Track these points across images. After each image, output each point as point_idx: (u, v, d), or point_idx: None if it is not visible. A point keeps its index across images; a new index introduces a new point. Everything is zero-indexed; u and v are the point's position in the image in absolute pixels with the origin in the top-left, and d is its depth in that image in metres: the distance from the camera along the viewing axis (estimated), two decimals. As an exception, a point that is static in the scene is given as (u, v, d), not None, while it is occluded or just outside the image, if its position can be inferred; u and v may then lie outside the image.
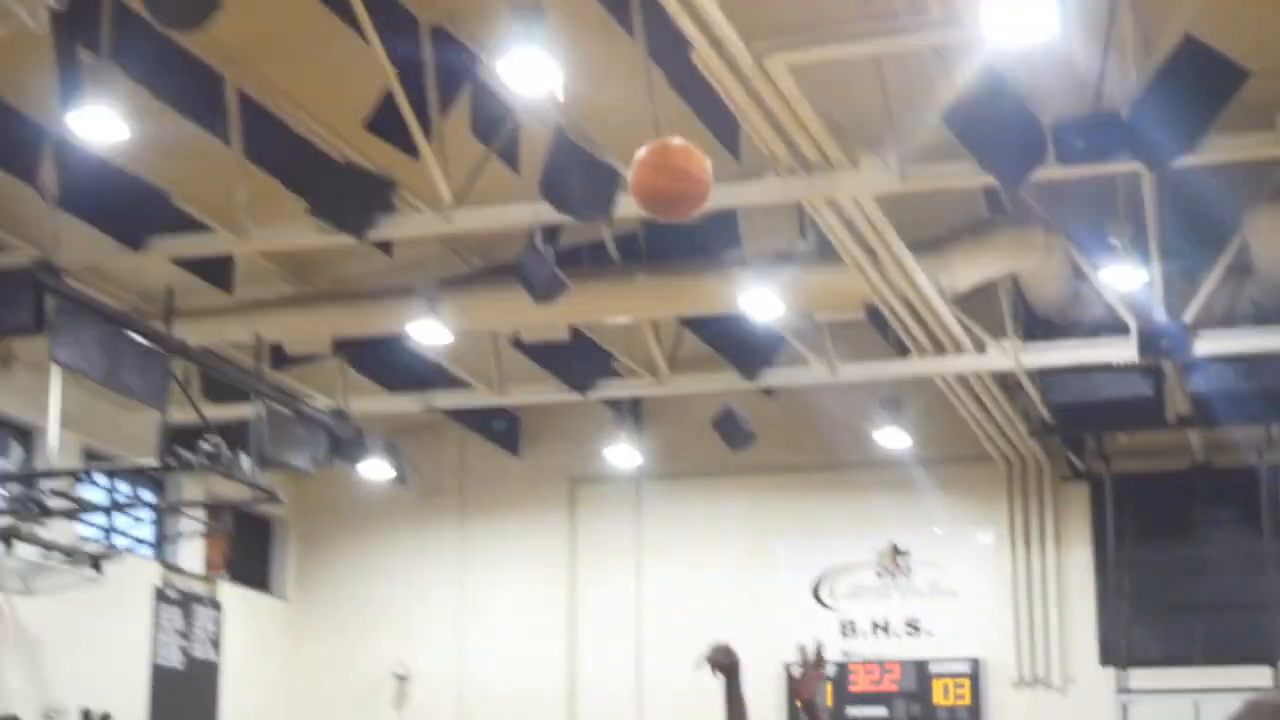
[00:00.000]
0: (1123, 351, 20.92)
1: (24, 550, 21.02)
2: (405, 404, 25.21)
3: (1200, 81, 14.49)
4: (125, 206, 17.95)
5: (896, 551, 27.09)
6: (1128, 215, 19.27)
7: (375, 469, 25.64)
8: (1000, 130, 14.99)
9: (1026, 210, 18.82)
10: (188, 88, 17.16)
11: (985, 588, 26.73)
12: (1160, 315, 20.21)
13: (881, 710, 26.55)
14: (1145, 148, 15.22)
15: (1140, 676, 25.58)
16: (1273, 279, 20.23)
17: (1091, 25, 15.06)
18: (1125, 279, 19.76)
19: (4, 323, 19.40)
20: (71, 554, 21.57)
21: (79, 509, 21.86)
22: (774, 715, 26.29)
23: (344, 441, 24.22)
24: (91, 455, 23.44)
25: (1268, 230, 18.78)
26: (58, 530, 21.52)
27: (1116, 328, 20.73)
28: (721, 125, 17.51)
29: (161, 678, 25.47)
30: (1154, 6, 15.74)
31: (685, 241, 19.78)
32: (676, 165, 5.01)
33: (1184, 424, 23.87)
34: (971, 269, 19.74)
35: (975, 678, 26.39)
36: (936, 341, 21.18)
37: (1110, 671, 25.90)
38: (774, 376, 23.12)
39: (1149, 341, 20.39)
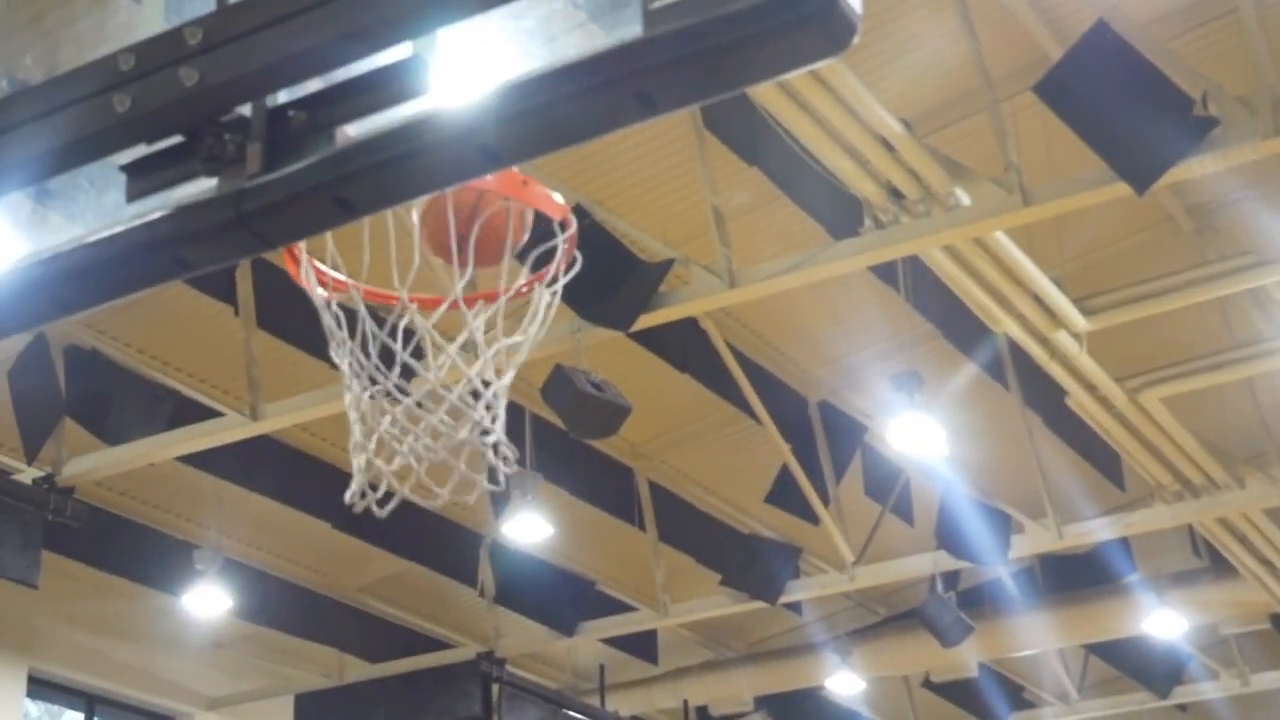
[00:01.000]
0: None
1: None
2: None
3: None
4: (556, 597, 18.55)
5: None
6: None
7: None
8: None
9: None
10: (602, 484, 17.89)
11: None
12: None
13: None
14: None
15: None
16: None
17: None
18: None
19: (456, 712, 20.13)
20: None
21: None
22: None
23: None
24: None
25: None
26: None
27: None
28: (1103, 459, 17.60)
29: None
30: None
31: (1081, 571, 19.69)
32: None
33: None
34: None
35: None
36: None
37: None
38: (1186, 693, 22.51)
39: None
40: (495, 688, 19.34)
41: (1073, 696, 23.16)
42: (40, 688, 19.40)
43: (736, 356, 15.92)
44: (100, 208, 6.31)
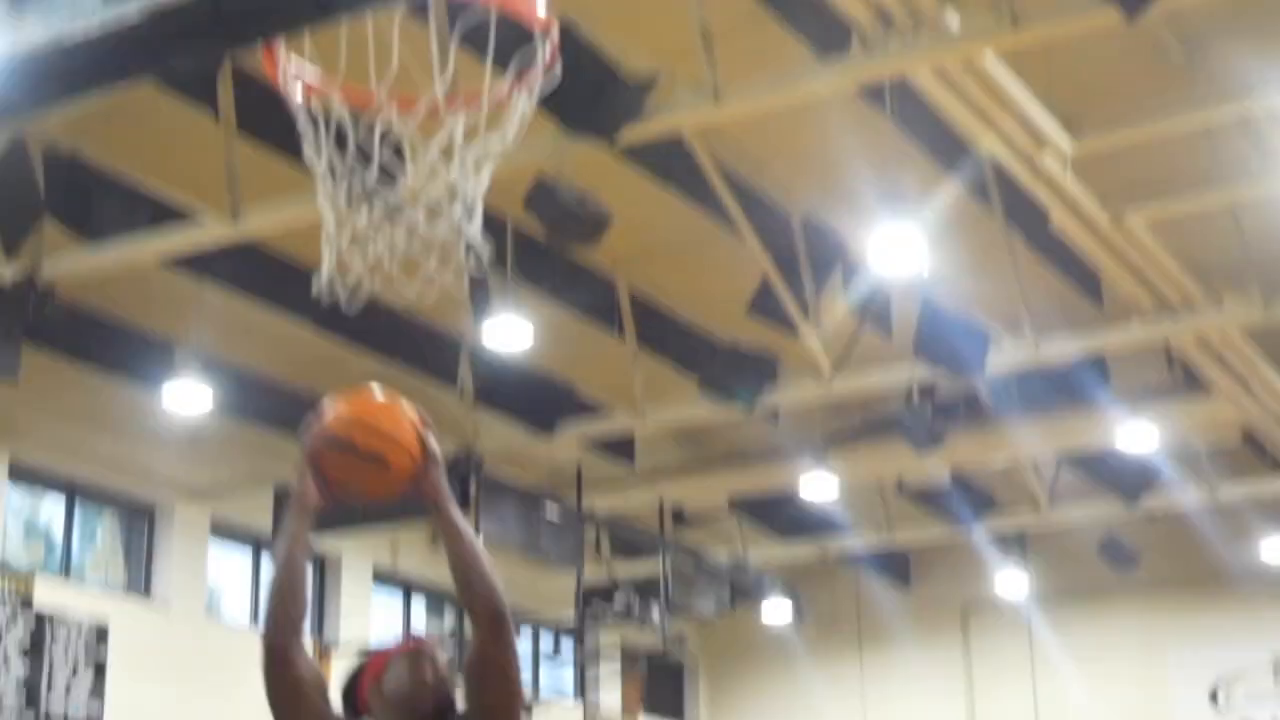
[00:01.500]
0: None
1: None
2: (801, 551, 25.39)
3: None
4: (535, 400, 18.55)
5: (1289, 657, 26.43)
6: None
7: (775, 611, 25.94)
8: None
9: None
10: (583, 293, 17.90)
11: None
12: None
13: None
14: None
15: None
16: None
17: None
18: None
19: (433, 508, 20.27)
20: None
21: (507, 665, 22.43)
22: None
23: (745, 588, 24.56)
24: (517, 616, 24.01)
25: None
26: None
27: None
28: (1082, 278, 17.50)
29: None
30: None
31: (1056, 386, 19.64)
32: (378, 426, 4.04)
33: None
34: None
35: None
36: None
37: None
38: (1155, 501, 22.63)
39: None
40: (473, 484, 19.47)
41: (1043, 504, 23.26)
42: (22, 475, 19.49)
43: (721, 174, 15.75)
44: (77, 6, 6.13)
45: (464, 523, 4.09)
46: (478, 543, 4.10)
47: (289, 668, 3.99)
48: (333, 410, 4.00)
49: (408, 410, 4.01)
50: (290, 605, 3.99)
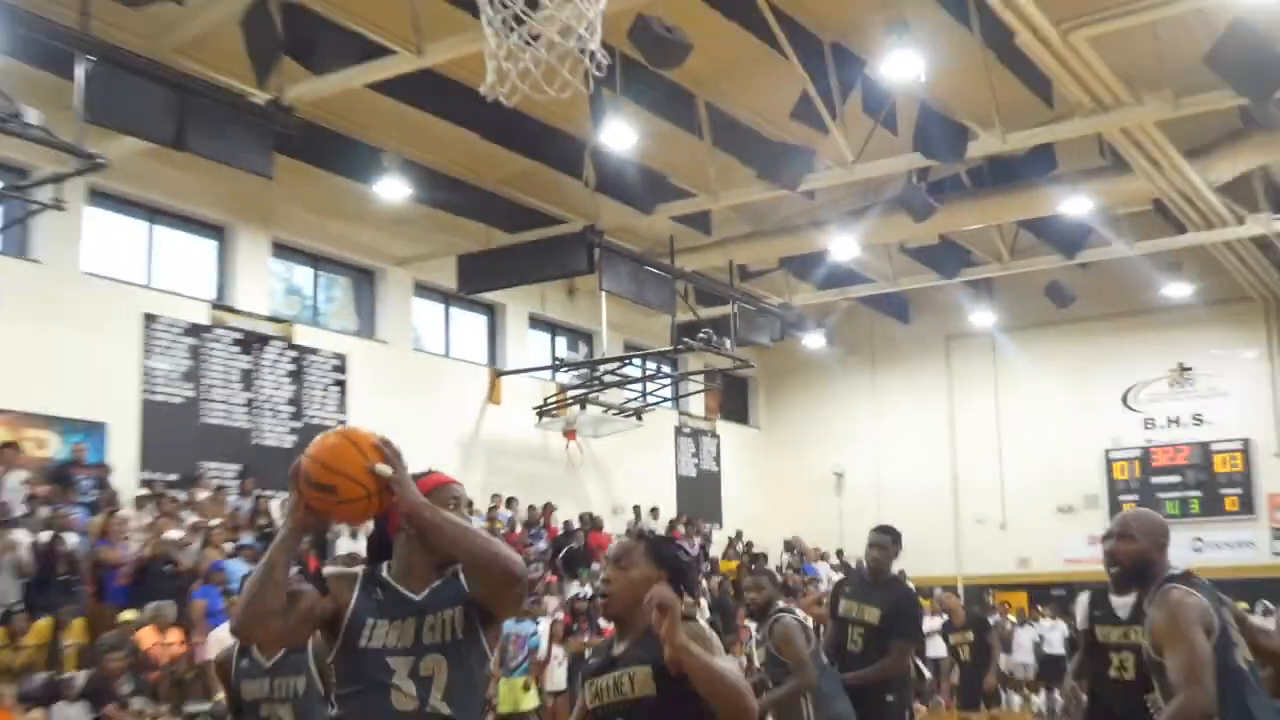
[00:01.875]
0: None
1: (592, 410, 21.89)
2: (831, 296, 25.21)
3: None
4: (639, 186, 18.30)
5: (1183, 368, 26.11)
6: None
7: (812, 340, 25.90)
8: (1249, 65, 14.16)
9: (1271, 118, 17.70)
10: (672, 104, 17.57)
11: (1251, 389, 25.54)
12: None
13: (1177, 478, 25.68)
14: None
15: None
16: None
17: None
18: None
19: (569, 268, 20.20)
20: (622, 410, 22.30)
21: (624, 381, 22.54)
22: (1095, 479, 25.86)
23: (791, 324, 24.45)
24: (629, 347, 24.15)
25: None
26: (613, 396, 22.25)
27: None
28: (1037, 83, 17.00)
29: (682, 484, 26.24)
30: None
31: (1017, 168, 19.23)
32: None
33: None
34: (1231, 164, 18.75)
35: (1246, 451, 25.37)
36: (1207, 220, 20.18)
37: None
38: (1087, 255, 22.22)
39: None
40: (596, 251, 19.36)
41: (1005, 258, 22.90)
42: (281, 251, 19.53)
43: (772, 10, 15.33)
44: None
45: (443, 516, 3.70)
46: (462, 524, 3.73)
47: (260, 634, 3.74)
48: (308, 450, 3.69)
49: (360, 445, 3.68)
50: (263, 601, 3.59)
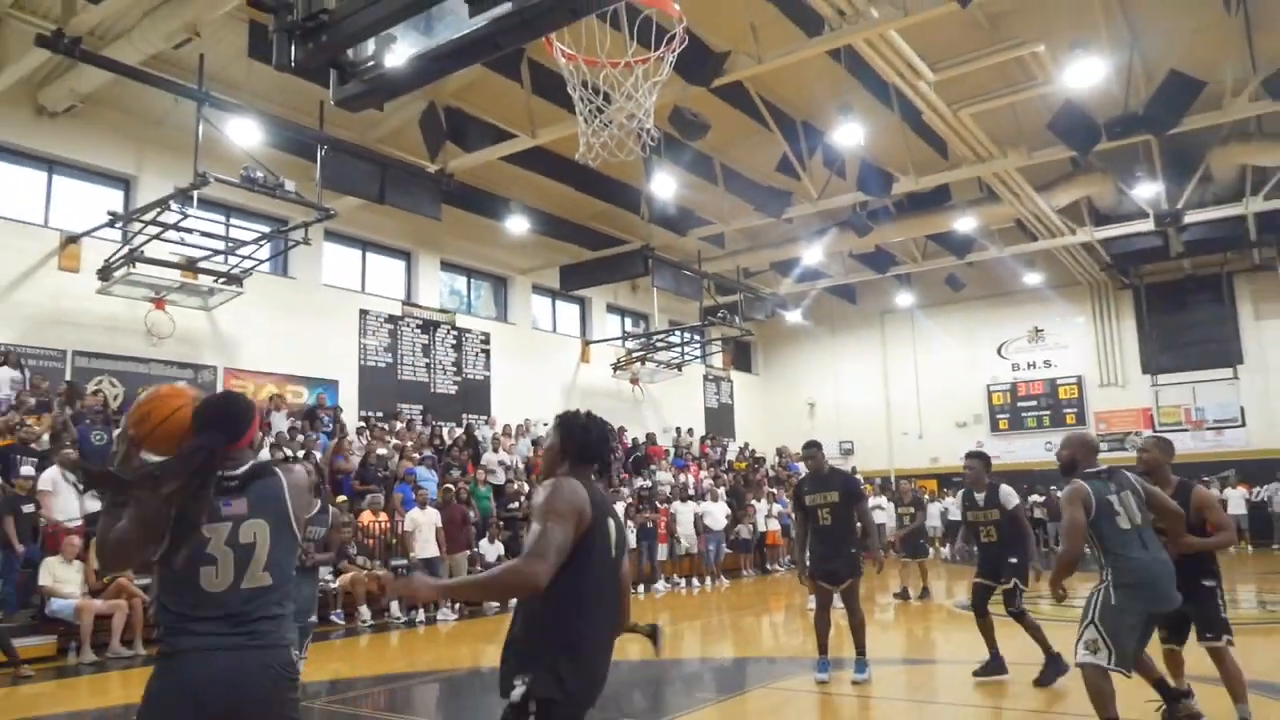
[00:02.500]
0: (1145, 226, 19.29)
1: (649, 365, 21.95)
2: (804, 287, 25.00)
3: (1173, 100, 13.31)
4: (678, 218, 18.16)
5: (1037, 330, 25.76)
6: (1146, 160, 17.80)
7: (793, 316, 25.78)
8: (1076, 129, 14.05)
9: (1091, 165, 17.48)
10: (697, 163, 17.23)
11: (1082, 342, 25.20)
12: (1164, 207, 18.61)
13: (1035, 403, 25.46)
14: (1153, 128, 14.04)
15: (1162, 378, 23.88)
16: (1222, 184, 18.32)
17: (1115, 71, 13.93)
18: (1145, 191, 18.30)
19: (632, 272, 20.18)
20: (668, 364, 22.34)
21: (669, 346, 22.55)
22: (980, 404, 25.59)
23: (778, 305, 24.14)
24: (672, 323, 24.03)
25: (1220, 158, 17.06)
26: (662, 355, 22.29)
27: (1141, 214, 19.09)
28: (937, 143, 16.63)
29: (709, 413, 26.28)
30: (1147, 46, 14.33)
31: (926, 200, 18.93)
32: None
33: (1180, 256, 21.83)
34: (1067, 194, 18.50)
35: (1080, 384, 25.04)
36: (1052, 231, 19.92)
37: (1147, 376, 24.17)
38: (973, 256, 21.91)
39: (1159, 219, 18.79)
40: (649, 261, 19.36)
41: (919, 258, 22.69)
42: (446, 266, 19.66)
43: (763, 101, 15.21)
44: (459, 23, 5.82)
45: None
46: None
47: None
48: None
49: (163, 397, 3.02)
50: (133, 555, 2.86)
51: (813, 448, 7.71)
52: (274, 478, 3.00)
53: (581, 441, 3.30)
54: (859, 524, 7.59)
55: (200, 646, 2.80)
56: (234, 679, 2.78)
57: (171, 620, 2.85)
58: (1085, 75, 13.13)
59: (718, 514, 17.55)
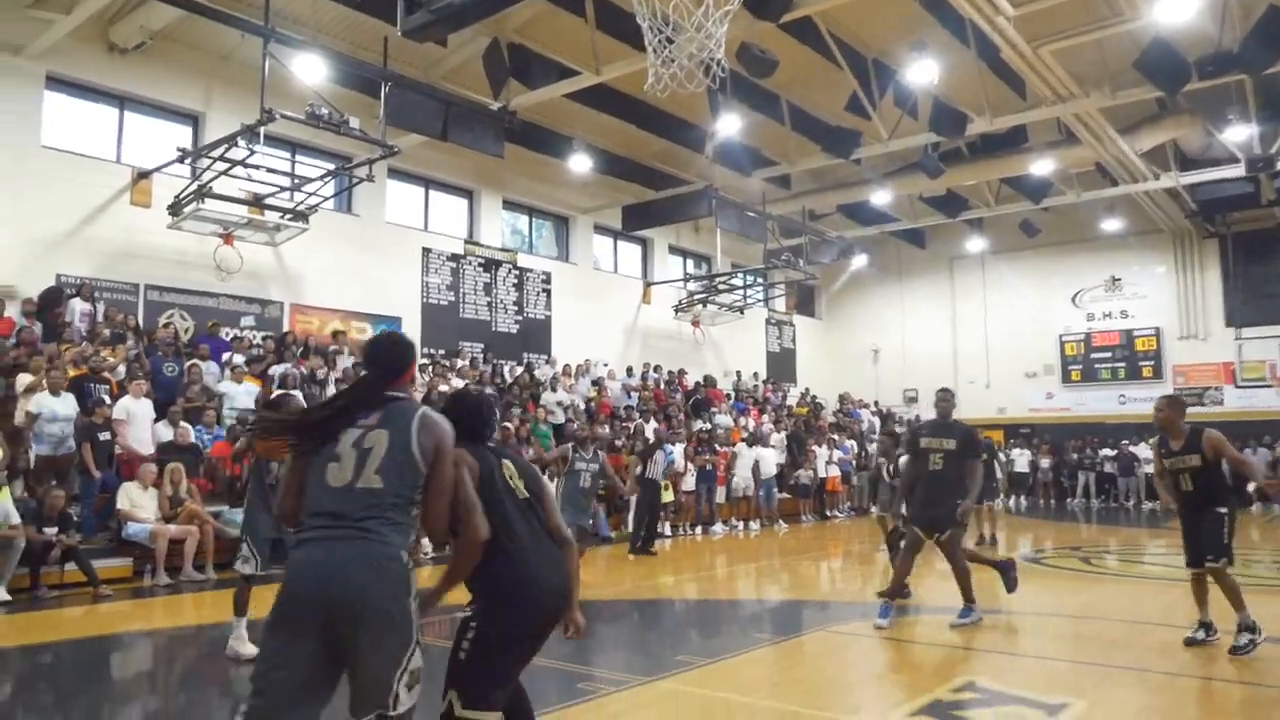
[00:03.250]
0: (1235, 171, 18.61)
1: (710, 308, 21.91)
2: (872, 231, 24.64)
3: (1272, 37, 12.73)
4: (743, 156, 17.98)
5: (1115, 278, 25.09)
6: (1238, 102, 17.09)
7: (859, 261, 25.32)
8: (1165, 68, 13.51)
9: (1179, 106, 16.83)
10: (764, 101, 16.99)
11: (1163, 291, 24.50)
12: (1256, 152, 17.88)
13: (1109, 354, 24.87)
14: (1247, 67, 13.47)
15: (1246, 331, 23.15)
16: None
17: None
18: (1237, 134, 17.59)
19: (695, 213, 20.05)
20: (730, 307, 22.24)
21: (730, 289, 22.42)
22: (1051, 354, 25.12)
23: (843, 250, 23.87)
24: (735, 265, 23.83)
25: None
26: (723, 298, 22.16)
27: (1231, 159, 18.41)
28: (1015, 83, 16.19)
29: (770, 357, 26.25)
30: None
31: (1002, 141, 18.43)
32: None
33: (1271, 204, 21.01)
34: (1151, 138, 17.85)
35: (1158, 336, 24.37)
36: (1134, 175, 19.27)
37: (1231, 330, 23.44)
38: (1050, 202, 21.29)
39: (1250, 165, 18.08)
40: (713, 202, 19.20)
41: (991, 203, 22.20)
42: (509, 205, 19.78)
43: (831, 35, 14.86)
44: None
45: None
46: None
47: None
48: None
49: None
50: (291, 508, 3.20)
51: (945, 393, 7.87)
52: (413, 407, 3.22)
53: (470, 423, 3.54)
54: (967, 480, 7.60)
55: (311, 538, 3.02)
56: (331, 567, 2.95)
57: (301, 519, 3.11)
58: (1176, 10, 12.53)
59: (770, 458, 17.57)
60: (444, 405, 3.56)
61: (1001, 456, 20.66)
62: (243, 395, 12.32)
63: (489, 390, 15.70)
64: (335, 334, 15.23)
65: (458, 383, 15.51)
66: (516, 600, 3.39)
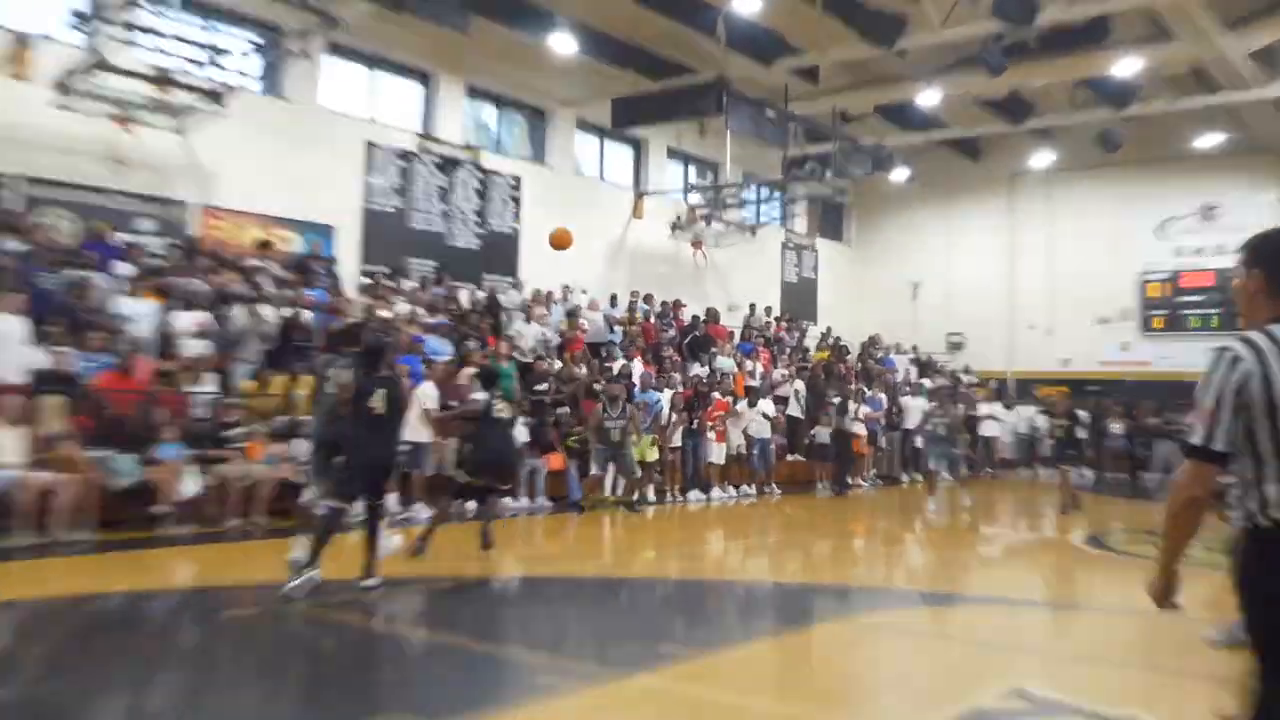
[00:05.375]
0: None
1: (716, 226, 21.78)
2: (916, 138, 24.51)
3: None
4: (762, 43, 17.85)
5: (1210, 207, 24.98)
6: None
7: (898, 174, 25.17)
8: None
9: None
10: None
11: (1268, 223, 23.79)
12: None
13: (1201, 298, 24.88)
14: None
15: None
16: None
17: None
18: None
19: (702, 110, 19.90)
20: (740, 226, 22.13)
21: (740, 204, 22.29)
22: (1130, 296, 25.14)
23: (881, 161, 23.77)
24: (747, 175, 23.68)
25: None
26: (731, 215, 22.04)
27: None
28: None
29: (786, 288, 26.23)
30: None
31: (1078, 36, 18.27)
32: None
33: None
34: (1266, 34, 17.74)
35: (1260, 277, 24.34)
36: (1239, 82, 19.10)
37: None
38: (1135, 111, 21.22)
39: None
40: (724, 97, 18.99)
41: (1064, 108, 22.06)
42: (473, 93, 19.55)
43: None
44: None
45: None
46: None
47: None
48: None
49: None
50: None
51: None
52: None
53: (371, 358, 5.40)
54: None
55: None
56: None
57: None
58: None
59: (766, 412, 17.35)
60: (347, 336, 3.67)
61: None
62: (145, 315, 12.14)
63: (442, 319, 15.54)
64: (263, 244, 15.00)
65: (402, 309, 15.31)
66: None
